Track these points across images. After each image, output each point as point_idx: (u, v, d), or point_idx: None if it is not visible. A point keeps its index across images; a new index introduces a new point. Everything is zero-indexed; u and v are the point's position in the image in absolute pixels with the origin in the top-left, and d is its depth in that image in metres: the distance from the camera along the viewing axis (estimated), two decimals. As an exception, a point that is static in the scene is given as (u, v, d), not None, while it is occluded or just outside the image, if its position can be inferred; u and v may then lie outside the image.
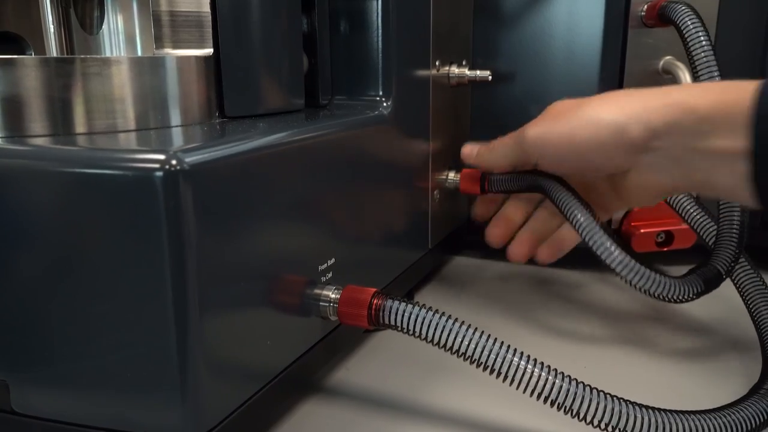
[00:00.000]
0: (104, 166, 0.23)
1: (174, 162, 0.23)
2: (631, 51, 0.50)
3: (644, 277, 0.37)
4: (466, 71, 0.49)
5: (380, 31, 0.39)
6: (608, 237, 0.38)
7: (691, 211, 0.45)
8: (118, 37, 0.37)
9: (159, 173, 0.23)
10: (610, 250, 0.37)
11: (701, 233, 0.44)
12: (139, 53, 0.37)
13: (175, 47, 0.31)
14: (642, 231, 0.51)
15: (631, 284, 0.37)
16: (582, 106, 0.36)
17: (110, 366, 0.25)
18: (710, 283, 0.38)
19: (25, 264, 0.25)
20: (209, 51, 0.32)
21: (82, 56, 0.28)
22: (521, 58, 0.52)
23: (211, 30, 0.31)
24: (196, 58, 0.31)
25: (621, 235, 0.52)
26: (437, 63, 0.46)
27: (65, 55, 0.30)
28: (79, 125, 0.28)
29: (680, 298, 0.37)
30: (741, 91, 0.29)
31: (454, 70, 0.49)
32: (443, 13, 0.46)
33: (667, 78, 0.50)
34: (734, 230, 0.41)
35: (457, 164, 0.51)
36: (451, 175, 0.50)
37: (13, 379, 0.26)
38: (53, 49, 0.35)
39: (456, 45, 0.50)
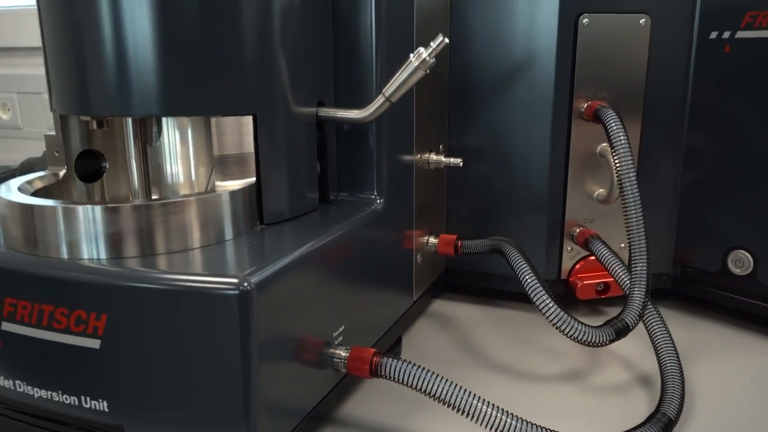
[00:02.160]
0: (196, 288, 0.35)
1: (245, 284, 0.35)
2: (575, 138, 0.62)
3: (571, 327, 0.49)
4: (442, 158, 0.61)
5: (375, 144, 0.51)
6: (548, 295, 0.51)
7: (615, 266, 0.58)
8: (175, 147, 0.49)
9: (235, 292, 0.35)
10: (548, 305, 0.50)
11: (622, 285, 0.57)
12: (192, 162, 0.49)
13: (225, 179, 0.43)
14: (585, 282, 0.63)
15: (561, 332, 0.49)
16: None
17: (198, 412, 0.37)
18: (620, 333, 0.50)
19: (141, 346, 0.37)
20: (253, 180, 0.44)
21: (164, 201, 0.40)
22: (489, 140, 0.64)
23: (255, 164, 0.43)
24: (243, 188, 0.43)
25: (569, 285, 0.65)
26: (419, 155, 0.58)
27: (149, 201, 0.42)
28: (161, 248, 0.40)
29: (598, 343, 0.50)
30: None
31: (432, 157, 0.61)
32: (424, 109, 0.58)
33: (602, 161, 0.62)
34: (642, 287, 0.53)
35: (436, 230, 0.64)
36: (431, 239, 0.62)
37: (127, 424, 0.38)
38: (134, 166, 0.47)
39: (433, 133, 0.62)
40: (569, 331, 0.49)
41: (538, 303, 0.51)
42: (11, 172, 1.25)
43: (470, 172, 0.65)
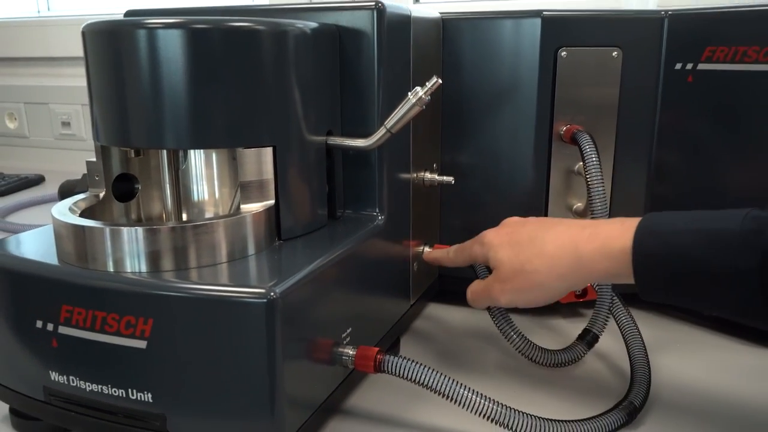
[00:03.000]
0: (229, 297, 0.42)
1: (272, 294, 0.41)
2: (555, 157, 0.69)
3: (534, 350, 0.59)
4: (436, 176, 0.68)
5: (377, 167, 0.57)
6: (512, 326, 0.60)
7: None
8: (200, 169, 0.56)
9: (262, 300, 0.41)
10: (512, 337, 0.60)
11: (596, 290, 0.64)
12: (219, 186, 0.55)
13: (246, 202, 0.50)
14: (565, 286, 0.70)
15: (527, 357, 0.59)
16: (534, 278, 0.50)
17: (231, 403, 0.43)
18: (591, 344, 0.58)
19: (182, 346, 0.43)
20: (272, 202, 0.50)
21: (196, 223, 0.47)
22: (478, 159, 0.71)
23: (273, 188, 0.50)
24: (264, 211, 0.49)
25: (550, 289, 0.71)
26: (415, 174, 0.65)
27: (183, 223, 0.48)
28: (193, 262, 0.47)
29: (566, 363, 0.59)
30: (625, 256, 0.45)
31: (427, 175, 0.67)
32: (420, 133, 0.65)
33: (578, 176, 0.69)
34: (606, 298, 0.60)
35: (430, 241, 0.70)
36: (427, 249, 0.68)
37: (169, 412, 0.44)
38: (167, 188, 0.53)
39: (428, 154, 0.69)
40: (535, 356, 0.59)
41: (504, 334, 0.60)
42: (24, 180, 1.31)
43: (461, 188, 0.71)
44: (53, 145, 1.53)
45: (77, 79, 1.46)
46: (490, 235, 0.55)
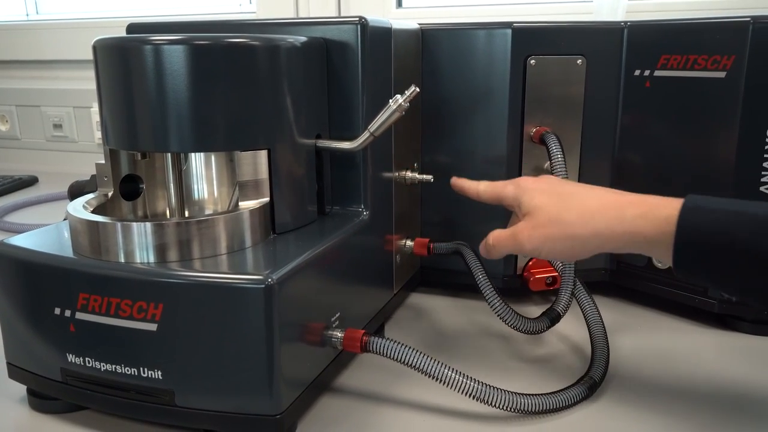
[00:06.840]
0: (232, 284, 0.47)
1: (269, 280, 0.47)
2: (526, 156, 0.75)
3: (512, 317, 0.64)
4: (416, 175, 0.73)
5: (362, 167, 0.63)
6: (495, 291, 0.64)
7: (557, 263, 0.71)
8: (201, 170, 0.61)
9: (261, 285, 0.47)
10: (493, 301, 0.64)
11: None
12: (219, 186, 0.60)
13: (243, 200, 0.55)
14: (536, 276, 0.76)
15: (504, 322, 0.64)
16: (569, 230, 0.50)
17: (233, 380, 0.48)
18: (554, 321, 0.64)
19: (188, 328, 0.48)
20: (267, 199, 0.55)
21: (199, 218, 0.52)
22: (455, 159, 0.77)
23: (268, 187, 0.55)
24: (260, 208, 0.55)
25: (523, 279, 0.77)
26: (397, 173, 0.71)
27: (188, 218, 0.53)
28: (196, 253, 0.52)
29: (535, 331, 0.64)
30: (669, 225, 0.46)
31: (408, 174, 0.73)
32: (401, 135, 0.71)
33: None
34: (569, 281, 0.66)
35: (412, 235, 0.76)
36: (408, 242, 0.74)
37: (177, 388, 0.50)
38: (171, 187, 0.58)
39: (409, 154, 0.74)
40: (510, 321, 0.64)
41: (486, 297, 0.64)
42: (18, 181, 1.35)
43: (440, 186, 0.76)
44: (45, 146, 1.57)
45: (69, 81, 1.50)
46: (528, 180, 0.56)
